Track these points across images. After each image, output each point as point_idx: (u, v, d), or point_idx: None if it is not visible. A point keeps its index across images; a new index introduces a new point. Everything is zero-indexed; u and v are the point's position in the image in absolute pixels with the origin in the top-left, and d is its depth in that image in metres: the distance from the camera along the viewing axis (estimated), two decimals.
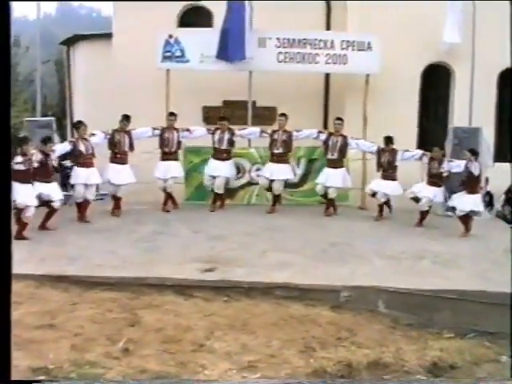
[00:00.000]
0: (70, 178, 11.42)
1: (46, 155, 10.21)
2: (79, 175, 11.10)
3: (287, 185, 12.51)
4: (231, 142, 12.26)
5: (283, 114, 12.21)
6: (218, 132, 12.19)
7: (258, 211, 12.05)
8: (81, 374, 4.87)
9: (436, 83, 14.00)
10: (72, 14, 62.73)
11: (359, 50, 12.89)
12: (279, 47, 12.95)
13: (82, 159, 11.14)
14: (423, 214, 11.34)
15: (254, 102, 13.67)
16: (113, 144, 11.74)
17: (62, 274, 7.62)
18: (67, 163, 11.69)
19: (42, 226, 10.32)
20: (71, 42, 19.56)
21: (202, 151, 12.78)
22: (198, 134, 12.39)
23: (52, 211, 10.37)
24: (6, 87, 3.60)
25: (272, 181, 12.21)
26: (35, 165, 9.85)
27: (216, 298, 7.12)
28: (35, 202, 9.76)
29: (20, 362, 5.06)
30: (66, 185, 11.83)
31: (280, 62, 12.99)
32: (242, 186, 12.98)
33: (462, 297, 7.14)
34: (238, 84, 13.08)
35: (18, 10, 41.15)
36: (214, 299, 7.08)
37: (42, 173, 10.11)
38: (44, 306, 6.61)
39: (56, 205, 10.35)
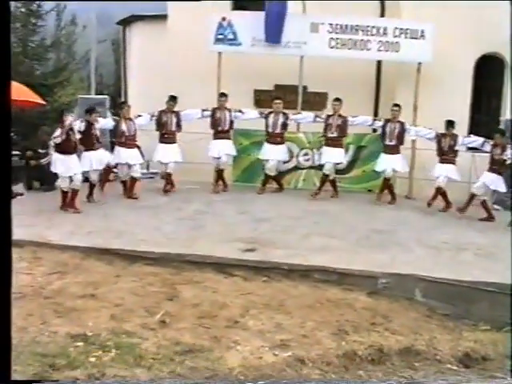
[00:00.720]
0: None
1: (90, 125, 10.53)
2: (120, 155, 11.42)
3: (335, 171, 12.52)
4: (285, 126, 12.37)
5: (338, 99, 12.19)
6: (272, 115, 12.31)
7: (304, 195, 12.08)
8: (117, 343, 5.05)
9: (490, 75, 13.72)
10: None
11: (412, 37, 12.70)
12: (331, 33, 12.84)
13: (123, 139, 11.43)
14: (471, 199, 11.19)
15: (304, 87, 13.64)
16: (160, 124, 11.99)
17: (107, 247, 7.85)
18: None
19: (103, 189, 11.07)
20: (127, 22, 19.78)
21: (251, 134, 12.89)
22: (251, 116, 12.55)
23: (107, 172, 10.95)
24: (6, 87, 3.68)
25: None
26: (78, 136, 10.18)
27: (255, 277, 7.24)
28: (76, 171, 10.07)
29: (60, 329, 5.29)
30: None
31: (332, 47, 12.90)
32: (289, 171, 13.01)
33: (501, 290, 7.08)
34: (290, 68, 13.04)
35: None
36: (252, 279, 7.20)
37: (86, 142, 10.53)
38: (88, 277, 6.85)
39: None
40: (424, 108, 12.57)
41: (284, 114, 12.33)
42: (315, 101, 14.01)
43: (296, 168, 13.01)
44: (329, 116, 12.25)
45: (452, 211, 11.40)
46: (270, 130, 12.32)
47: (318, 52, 12.91)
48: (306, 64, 13.05)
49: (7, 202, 3.71)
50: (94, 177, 10.85)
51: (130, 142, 11.50)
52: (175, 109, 12.10)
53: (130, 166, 11.45)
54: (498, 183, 11.11)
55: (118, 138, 11.50)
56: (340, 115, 12.13)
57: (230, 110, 12.32)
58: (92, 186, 10.83)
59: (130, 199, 11.24)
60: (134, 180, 11.52)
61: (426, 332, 6.11)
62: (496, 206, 11.88)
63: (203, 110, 12.30)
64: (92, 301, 6.11)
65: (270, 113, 12.34)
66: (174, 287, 6.69)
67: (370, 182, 12.89)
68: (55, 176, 10.29)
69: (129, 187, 11.45)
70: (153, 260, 7.56)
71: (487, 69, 13.65)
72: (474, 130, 13.29)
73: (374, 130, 13.28)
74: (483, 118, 13.88)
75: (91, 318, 5.59)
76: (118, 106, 12.57)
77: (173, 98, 12.05)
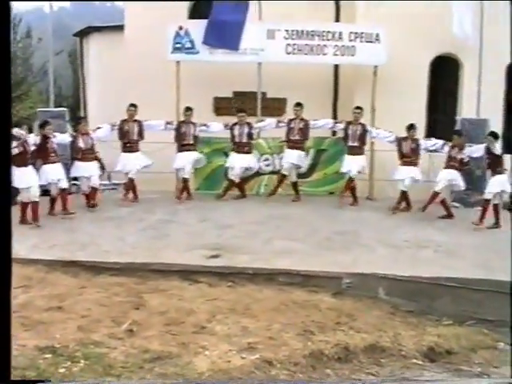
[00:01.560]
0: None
1: (46, 138, 10.53)
2: (78, 169, 11.42)
3: (297, 175, 12.64)
4: (250, 135, 12.48)
5: (299, 104, 12.33)
6: (237, 127, 12.40)
7: (266, 201, 12.16)
8: (85, 353, 5.06)
9: (445, 75, 13.99)
10: (87, 4, 62.66)
11: (367, 41, 12.87)
12: (288, 39, 12.96)
13: (81, 154, 11.39)
14: (433, 197, 11.21)
15: (264, 94, 13.72)
16: (122, 134, 11.99)
17: (72, 260, 7.83)
18: None
19: (50, 212, 10.72)
20: (84, 33, 19.72)
21: (212, 141, 12.92)
22: (215, 129, 12.61)
23: (63, 194, 10.75)
24: (6, 86, 3.71)
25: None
26: (32, 148, 10.17)
27: (220, 283, 7.31)
28: (32, 183, 10.00)
29: (28, 342, 5.28)
30: None
31: (288, 53, 12.99)
32: (251, 176, 13.06)
33: (463, 285, 7.25)
34: (249, 75, 13.13)
35: (33, 3, 41.10)
36: (217, 284, 7.27)
37: (42, 155, 10.54)
38: (53, 290, 6.83)
39: (61, 185, 10.69)
40: (382, 110, 12.73)
41: (248, 123, 12.45)
42: (274, 107, 14.11)
43: (257, 174, 13.08)
44: (291, 120, 12.40)
45: (412, 211, 11.58)
46: (237, 139, 12.41)
47: (276, 58, 13.00)
48: (264, 70, 13.13)
49: (7, 208, 3.74)
50: (54, 190, 10.77)
51: (87, 155, 11.40)
52: (137, 118, 12.11)
53: (89, 178, 11.41)
54: (456, 178, 11.22)
55: (76, 154, 11.45)
56: (302, 119, 12.29)
57: (194, 124, 12.34)
58: (53, 200, 10.76)
59: (93, 211, 11.18)
60: (94, 189, 11.50)
61: (390, 329, 6.24)
62: (455, 204, 12.11)
63: (167, 123, 12.35)
64: (59, 313, 6.10)
65: (235, 124, 12.43)
66: (140, 296, 6.72)
67: (332, 184, 13.05)
68: (16, 191, 10.20)
69: (88, 197, 11.43)
70: (118, 270, 7.57)
71: (443, 69, 13.91)
72: (431, 129, 13.57)
73: (334, 133, 13.47)
74: (440, 117, 14.14)
75: (59, 330, 5.59)
76: (77, 122, 12.51)
77: (133, 105, 12.08)
